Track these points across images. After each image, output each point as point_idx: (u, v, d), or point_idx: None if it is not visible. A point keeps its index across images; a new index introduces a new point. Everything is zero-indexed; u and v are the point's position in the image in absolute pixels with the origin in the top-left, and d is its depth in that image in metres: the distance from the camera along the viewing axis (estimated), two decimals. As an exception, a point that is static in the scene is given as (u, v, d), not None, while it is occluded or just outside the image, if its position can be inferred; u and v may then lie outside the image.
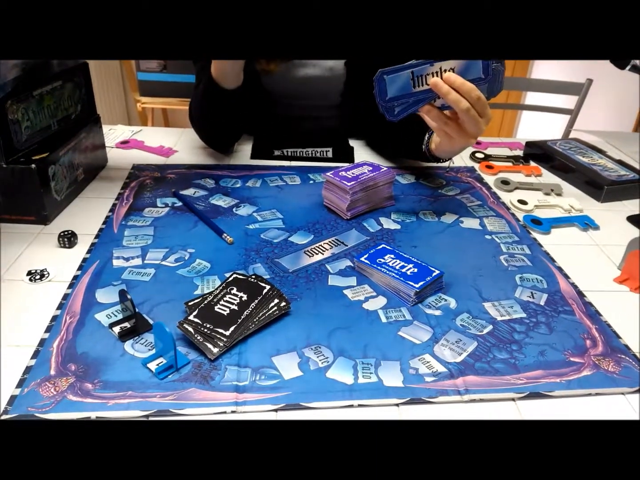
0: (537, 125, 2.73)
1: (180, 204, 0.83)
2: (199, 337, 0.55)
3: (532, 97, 2.58)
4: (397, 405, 0.50)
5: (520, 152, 1.10)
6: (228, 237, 0.73)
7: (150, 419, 0.47)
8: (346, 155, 1.01)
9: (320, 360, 0.54)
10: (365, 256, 0.69)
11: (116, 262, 0.68)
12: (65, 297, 0.61)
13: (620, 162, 1.01)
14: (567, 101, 1.76)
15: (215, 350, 0.54)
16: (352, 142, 1.08)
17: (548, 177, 1.01)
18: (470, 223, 0.82)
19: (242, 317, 0.57)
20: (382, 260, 0.68)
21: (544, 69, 2.70)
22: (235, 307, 0.58)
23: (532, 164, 1.05)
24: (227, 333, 0.55)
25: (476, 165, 1.03)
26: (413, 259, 0.68)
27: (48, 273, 0.65)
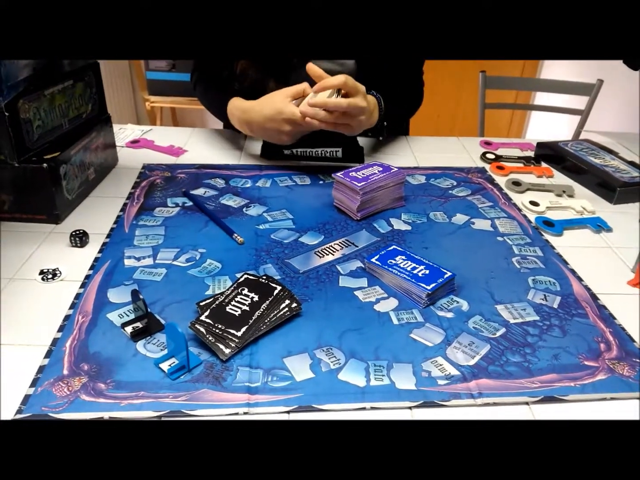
0: (547, 126, 2.71)
1: (190, 203, 0.83)
2: (210, 338, 0.55)
3: (542, 98, 2.56)
4: (409, 408, 0.50)
5: (531, 153, 1.10)
6: (238, 237, 0.73)
7: (163, 419, 0.47)
8: (356, 155, 1.01)
9: (331, 362, 0.54)
10: (376, 257, 0.68)
11: (127, 262, 0.68)
12: (78, 296, 0.61)
13: (633, 164, 1.00)
14: (576, 102, 1.75)
15: (227, 351, 0.54)
16: (362, 142, 1.07)
17: (559, 179, 1.00)
18: (481, 224, 0.81)
19: (254, 317, 0.57)
20: (393, 262, 0.67)
21: (553, 70, 2.68)
22: (247, 308, 0.58)
23: (544, 165, 1.05)
24: (239, 334, 0.55)
25: (487, 166, 1.02)
26: (424, 260, 0.67)
27: (60, 272, 0.65)
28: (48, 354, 0.53)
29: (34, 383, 0.49)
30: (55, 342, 0.54)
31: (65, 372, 0.51)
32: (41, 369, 0.51)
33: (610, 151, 1.06)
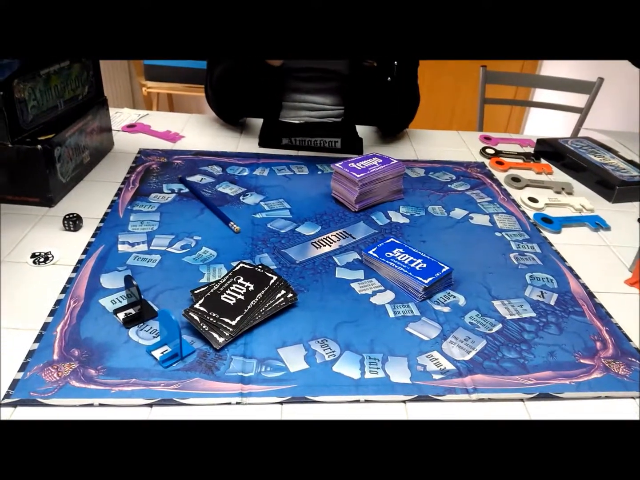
0: (545, 123, 2.71)
1: (186, 190, 0.81)
2: (204, 326, 0.54)
3: (541, 94, 2.55)
4: (404, 402, 0.50)
5: (530, 149, 1.09)
6: (235, 225, 0.72)
7: (154, 408, 0.47)
8: (355, 146, 1.00)
9: (326, 354, 0.54)
10: (374, 249, 0.68)
11: (121, 247, 0.67)
12: (70, 281, 0.60)
13: (632, 163, 1.00)
14: (574, 99, 1.74)
15: (221, 339, 0.53)
16: (361, 133, 1.06)
17: (559, 176, 1.00)
18: (480, 219, 0.81)
19: (249, 307, 0.56)
20: (391, 254, 0.67)
21: (553, 66, 2.67)
22: (242, 297, 0.57)
23: (543, 161, 1.04)
24: (233, 323, 0.54)
25: (486, 161, 1.01)
26: (422, 254, 0.67)
27: (52, 256, 0.64)
28: (38, 339, 0.52)
29: (23, 367, 0.49)
30: (45, 326, 0.54)
31: (55, 357, 0.50)
32: (31, 354, 0.50)
33: (609, 149, 1.05)
